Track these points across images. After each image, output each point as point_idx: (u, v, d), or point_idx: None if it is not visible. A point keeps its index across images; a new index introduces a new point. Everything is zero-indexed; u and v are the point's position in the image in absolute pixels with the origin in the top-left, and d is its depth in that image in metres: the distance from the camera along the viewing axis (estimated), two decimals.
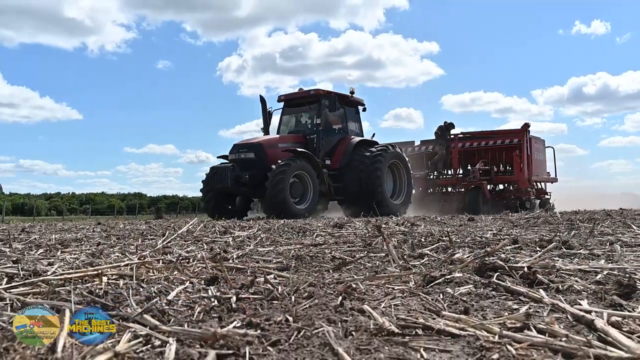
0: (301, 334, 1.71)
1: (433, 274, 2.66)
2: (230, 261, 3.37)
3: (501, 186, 20.74)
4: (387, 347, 1.61)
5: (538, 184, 21.10)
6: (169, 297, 2.12)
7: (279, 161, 13.10)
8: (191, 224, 5.99)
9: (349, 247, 4.31)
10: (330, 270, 3.11)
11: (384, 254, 3.69)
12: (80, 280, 2.54)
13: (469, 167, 19.69)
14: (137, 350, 1.49)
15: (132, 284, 2.40)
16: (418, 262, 3.31)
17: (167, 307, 1.98)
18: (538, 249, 3.83)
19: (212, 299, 2.14)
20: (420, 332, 1.78)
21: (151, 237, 5.48)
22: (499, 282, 2.50)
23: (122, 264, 2.92)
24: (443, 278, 2.61)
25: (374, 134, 17.01)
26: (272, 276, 2.72)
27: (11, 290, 2.26)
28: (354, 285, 2.41)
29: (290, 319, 1.84)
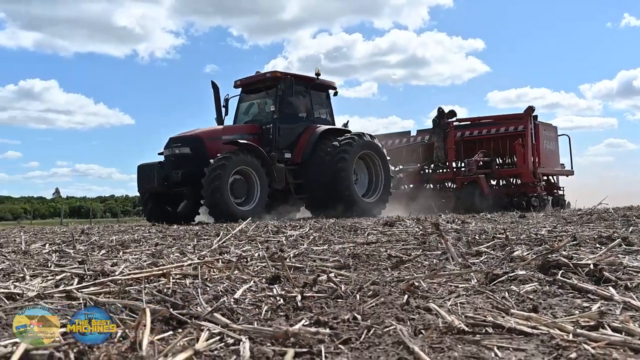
0: (371, 332, 1.70)
1: (495, 272, 2.62)
2: (288, 260, 3.38)
3: (504, 181, 17.96)
4: (459, 346, 1.59)
5: (550, 177, 18.27)
6: (236, 296, 2.14)
7: (218, 155, 11.23)
8: (245, 224, 6.04)
9: (403, 245, 4.27)
10: (389, 269, 3.09)
11: (439, 252, 3.64)
12: (146, 280, 2.58)
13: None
14: (213, 349, 1.50)
15: (197, 284, 2.43)
16: (477, 260, 3.26)
17: (235, 305, 1.99)
18: (598, 245, 3.72)
19: (278, 298, 2.15)
20: (490, 330, 1.75)
21: (206, 237, 5.55)
22: (565, 279, 2.44)
23: (185, 263, 2.96)
24: (506, 276, 2.56)
25: (347, 122, 14.88)
26: (332, 275, 2.70)
27: (83, 290, 2.32)
28: (416, 284, 2.39)
29: (359, 317, 1.83)
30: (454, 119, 17.73)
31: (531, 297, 2.21)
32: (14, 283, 2.70)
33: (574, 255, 3.03)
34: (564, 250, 3.22)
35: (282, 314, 1.98)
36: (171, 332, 1.71)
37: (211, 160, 11.04)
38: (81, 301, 2.13)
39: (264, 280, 2.62)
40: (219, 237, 4.98)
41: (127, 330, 1.60)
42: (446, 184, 17.92)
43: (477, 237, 4.67)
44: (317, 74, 13.75)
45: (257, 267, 3.10)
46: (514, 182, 17.28)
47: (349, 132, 13.67)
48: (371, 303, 2.04)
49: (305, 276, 2.83)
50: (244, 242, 4.84)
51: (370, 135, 13.85)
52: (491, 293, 2.26)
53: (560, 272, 2.57)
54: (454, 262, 3.12)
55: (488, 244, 3.97)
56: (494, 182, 17.34)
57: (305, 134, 13.06)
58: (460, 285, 2.45)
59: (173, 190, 12.19)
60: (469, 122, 18.08)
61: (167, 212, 12.65)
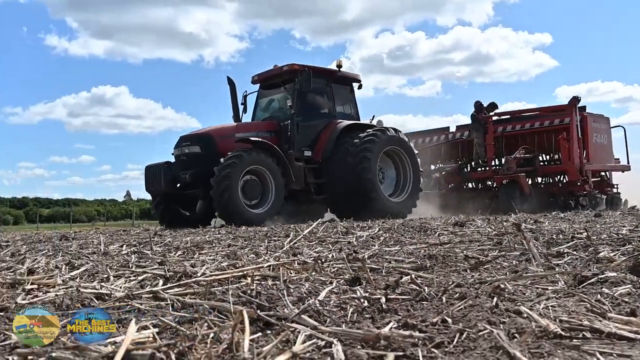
0: (464, 335, 1.65)
1: (584, 274, 2.52)
2: (362, 262, 3.36)
3: (549, 179, 16.36)
4: (559, 351, 1.53)
5: (603, 174, 16.44)
6: (320, 298, 2.13)
7: (229, 154, 10.41)
8: (314, 225, 6.06)
9: (478, 245, 4.18)
10: (468, 270, 3.02)
11: (518, 253, 3.54)
12: (226, 281, 2.61)
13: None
14: (306, 351, 1.49)
15: (279, 285, 2.44)
16: (560, 261, 3.15)
17: (320, 307, 1.99)
18: None
19: (362, 300, 2.14)
20: (588, 335, 1.68)
21: (275, 238, 5.59)
22: None
23: (264, 265, 2.98)
24: (596, 278, 2.46)
25: (373, 117, 13.41)
26: (412, 276, 2.66)
27: (168, 291, 2.36)
28: (501, 286, 2.32)
29: (449, 320, 1.79)
30: (493, 112, 16.51)
31: (626, 300, 2.11)
32: (100, 283, 2.79)
33: None
34: None
35: (367, 316, 1.97)
36: (260, 334, 1.71)
37: (222, 160, 10.33)
38: (168, 302, 2.17)
39: (343, 281, 2.61)
40: (290, 238, 5.00)
41: (218, 332, 1.61)
42: (488, 183, 16.59)
43: (554, 237, 4.52)
44: (339, 66, 12.82)
45: (334, 268, 3.09)
46: (560, 180, 15.79)
47: (373, 127, 12.55)
48: (459, 306, 1.99)
49: (383, 277, 2.80)
50: (314, 243, 4.85)
51: (395, 130, 12.65)
52: (583, 296, 2.17)
53: None
54: (537, 263, 3.02)
55: (568, 244, 3.84)
56: (540, 180, 16.24)
57: (326, 130, 12.10)
58: (549, 288, 2.36)
59: (184, 192, 11.48)
60: (509, 116, 16.77)
61: (180, 215, 11.94)
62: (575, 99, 14.78)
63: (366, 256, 3.56)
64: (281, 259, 3.45)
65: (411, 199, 12.59)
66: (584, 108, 15.50)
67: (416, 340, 1.58)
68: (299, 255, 3.78)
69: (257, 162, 10.58)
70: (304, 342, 1.52)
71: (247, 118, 13.46)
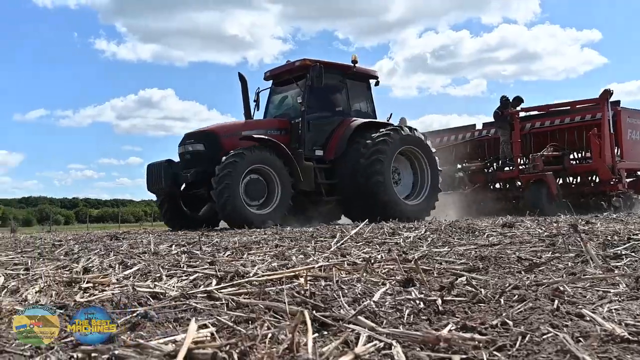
0: (526, 339, 1.61)
1: None
2: (413, 262, 3.32)
3: (580, 178, 15.16)
4: (628, 356, 1.47)
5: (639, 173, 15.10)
6: (375, 299, 2.12)
7: (231, 152, 9.86)
8: (361, 226, 6.04)
9: (531, 247, 4.08)
10: (522, 272, 2.95)
11: (573, 255, 3.45)
12: (279, 282, 2.62)
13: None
14: (366, 352, 1.48)
15: (332, 285, 2.43)
16: (619, 263, 3.05)
17: (376, 309, 1.97)
18: None
19: (418, 301, 2.11)
20: None
21: (322, 239, 5.59)
22: None
23: (316, 265, 2.98)
24: None
25: (390, 115, 12.59)
26: (465, 278, 2.62)
27: (222, 291, 2.38)
28: (561, 288, 2.26)
29: (510, 322, 1.75)
30: (519, 108, 15.37)
31: None
32: (154, 282, 2.83)
33: None
34: None
35: (424, 317, 1.94)
36: (317, 334, 1.70)
37: (224, 158, 9.79)
38: (223, 301, 2.18)
39: (395, 283, 2.59)
40: (336, 239, 5.00)
41: (277, 332, 1.61)
42: (516, 182, 15.31)
43: (609, 238, 4.39)
44: (354, 62, 11.97)
45: (385, 269, 3.06)
46: (592, 179, 14.59)
47: (390, 125, 11.75)
48: (519, 308, 1.94)
49: (435, 279, 2.76)
50: (361, 243, 4.83)
51: (411, 129, 11.81)
52: None
53: None
54: (594, 265, 2.94)
55: (625, 246, 3.72)
56: (570, 180, 15.16)
57: (339, 129, 11.36)
58: (609, 291, 2.29)
59: (188, 192, 11.02)
60: (536, 112, 15.47)
61: (186, 215, 11.44)
62: (607, 92, 13.68)
63: (416, 257, 3.52)
64: (331, 260, 3.44)
65: (429, 201, 11.84)
66: (617, 103, 14.50)
67: (477, 343, 1.55)
68: (347, 256, 3.76)
69: (261, 160, 10.06)
70: (365, 343, 1.51)
71: (259, 115, 12.88)
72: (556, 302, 1.99)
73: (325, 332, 1.74)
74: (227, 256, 4.03)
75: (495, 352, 1.52)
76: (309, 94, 11.20)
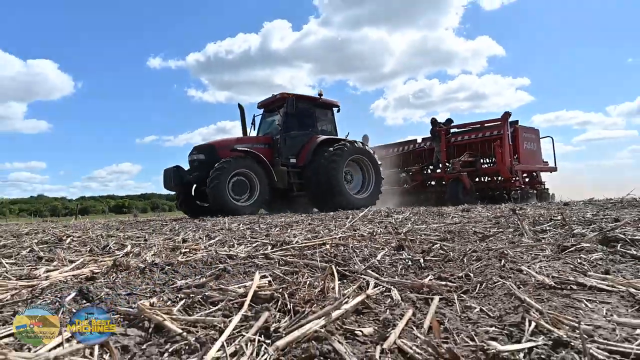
0: (483, 285, 1.58)
1: (565, 244, 2.36)
2: (403, 235, 3.28)
3: (489, 177, 14.14)
4: (555, 298, 1.43)
5: (534, 174, 14.32)
6: (377, 259, 2.08)
7: (222, 160, 9.59)
8: (365, 211, 5.98)
9: (482, 225, 4.00)
10: (478, 241, 2.89)
11: (512, 230, 3.37)
12: (312, 247, 2.60)
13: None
14: (374, 294, 1.45)
15: (348, 250, 2.40)
16: (545, 235, 2.97)
17: (379, 265, 1.94)
18: None
19: (407, 260, 2.07)
20: (575, 287, 1.56)
21: (339, 219, 5.54)
22: (625, 250, 2.14)
23: (337, 236, 2.95)
24: (574, 247, 2.30)
25: (347, 134, 12.06)
26: (440, 245, 2.57)
27: (275, 253, 2.37)
28: (505, 252, 2.20)
29: (471, 275, 1.71)
30: (450, 125, 14.46)
31: (600, 263, 1.96)
32: (230, 248, 2.83)
33: (626, 232, 2.67)
34: (617, 229, 2.85)
35: (412, 271, 1.91)
36: (340, 282, 1.68)
37: (216, 165, 9.48)
38: (275, 260, 2.17)
39: (391, 248, 2.54)
40: (349, 219, 4.96)
41: (312, 280, 1.59)
42: (443, 181, 14.29)
43: (537, 219, 4.28)
44: (320, 94, 11.46)
45: (383, 239, 3.02)
46: (497, 178, 13.68)
47: (343, 141, 11.13)
48: (477, 265, 1.90)
49: (418, 246, 2.71)
50: (366, 222, 4.78)
51: (362, 143, 11.43)
52: (567, 260, 2.03)
53: (619, 244, 2.28)
54: (527, 237, 2.86)
55: (549, 224, 3.62)
56: (483, 179, 14.00)
57: (308, 143, 10.86)
58: (539, 254, 2.23)
59: (190, 190, 10.51)
60: (460, 130, 14.57)
61: (198, 206, 10.80)
62: (507, 114, 13.04)
63: (404, 231, 3.48)
64: (346, 233, 3.41)
65: (373, 196, 11.22)
66: (516, 122, 13.74)
67: (449, 288, 1.52)
68: (357, 230, 3.72)
69: (244, 166, 9.60)
70: (374, 287, 1.48)
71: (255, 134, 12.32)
72: (502, 261, 1.94)
73: (345, 281, 1.72)
74: (276, 231, 4.02)
75: (462, 295, 1.49)
76: (286, 118, 10.82)
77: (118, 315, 1.32)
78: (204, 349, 1.01)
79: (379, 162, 11.47)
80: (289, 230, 3.98)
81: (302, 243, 2.66)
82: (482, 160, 13.58)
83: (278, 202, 10.80)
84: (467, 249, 2.34)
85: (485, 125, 13.83)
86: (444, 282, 1.55)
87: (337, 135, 11.62)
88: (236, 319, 1.15)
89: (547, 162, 14.60)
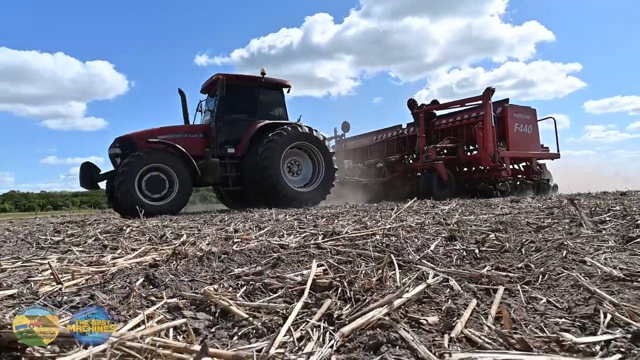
0: (546, 277, 1.51)
1: (630, 235, 2.22)
2: (451, 225, 3.20)
3: (473, 167, 11.75)
4: (627, 290, 1.35)
5: (534, 162, 11.63)
6: (431, 249, 2.05)
7: (132, 154, 8.31)
8: (410, 203, 5.90)
9: (535, 215, 3.84)
10: (532, 232, 2.77)
11: (568, 220, 3.21)
12: (361, 237, 2.59)
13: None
14: (434, 283, 1.43)
15: (399, 240, 2.37)
16: (606, 226, 2.81)
17: (433, 255, 1.90)
18: None
19: (461, 251, 2.02)
20: None
21: (384, 211, 5.49)
22: None
23: (386, 227, 2.92)
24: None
25: (299, 117, 10.14)
26: (492, 236, 2.49)
27: (326, 243, 2.38)
28: (564, 243, 2.10)
29: (532, 265, 1.64)
30: (428, 106, 12.14)
31: None
32: (280, 238, 2.87)
33: None
34: None
35: (467, 261, 1.86)
36: (393, 272, 1.66)
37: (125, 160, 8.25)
38: (327, 250, 2.18)
39: (442, 239, 2.49)
40: (394, 210, 4.90)
41: (368, 269, 1.59)
42: (418, 172, 12.16)
43: (594, 209, 4.05)
44: (262, 74, 9.71)
45: (433, 229, 2.96)
46: (482, 168, 11.29)
47: (286, 125, 9.43)
48: (536, 256, 1.83)
49: (470, 236, 2.64)
50: (412, 213, 4.71)
51: (308, 127, 9.56)
52: (634, 250, 1.91)
53: None
54: (587, 227, 2.72)
55: (608, 214, 3.42)
56: (466, 169, 11.77)
57: (248, 130, 9.30)
58: (602, 245, 2.11)
59: (101, 188, 9.17)
60: (444, 113, 12.26)
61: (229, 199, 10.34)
62: (489, 90, 10.51)
63: (454, 221, 3.39)
64: (394, 224, 3.37)
65: (321, 189, 9.54)
66: (506, 100, 11.32)
67: (510, 278, 1.47)
68: (404, 221, 3.67)
69: (157, 160, 8.26)
70: (434, 276, 1.46)
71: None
72: (564, 252, 1.85)
73: (400, 270, 1.70)
74: (323, 221, 4.03)
75: (524, 286, 1.44)
76: (220, 102, 9.28)
77: (185, 300, 1.37)
78: (271, 334, 1.03)
79: (331, 150, 9.92)
80: (335, 221, 3.98)
81: (352, 233, 2.65)
82: (465, 147, 11.36)
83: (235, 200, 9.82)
84: (523, 240, 2.25)
85: (467, 105, 11.44)
86: (504, 273, 1.50)
87: (287, 120, 9.86)
88: (298, 306, 1.17)
89: (547, 147, 12.20)
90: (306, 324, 1.06)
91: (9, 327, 0.84)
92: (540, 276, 1.51)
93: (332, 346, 0.93)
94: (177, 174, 8.36)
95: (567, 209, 3.77)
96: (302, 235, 2.95)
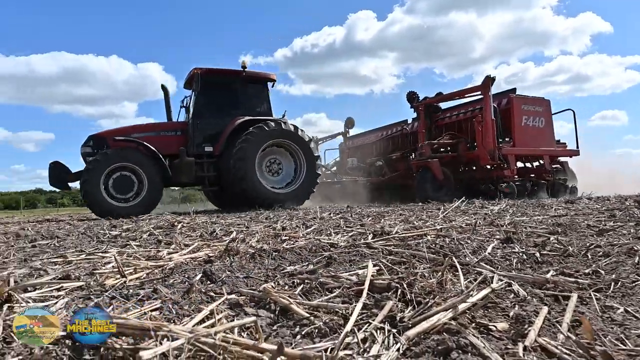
0: (619, 284, 1.41)
1: None
2: (504, 227, 3.08)
3: (474, 166, 10.36)
4: None
5: (546, 160, 10.03)
6: (488, 251, 1.97)
7: (99, 153, 7.94)
8: (458, 203, 5.74)
9: (595, 218, 3.63)
10: (594, 235, 2.62)
11: (633, 223, 3.01)
12: (412, 238, 2.54)
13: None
14: (499, 288, 1.37)
15: (452, 241, 2.31)
16: None
17: (491, 258, 1.84)
18: None
19: (521, 254, 1.94)
20: None
21: (429, 210, 5.38)
22: None
23: (437, 227, 2.86)
24: None
25: (284, 113, 9.49)
26: (552, 239, 2.37)
27: (376, 243, 2.35)
28: (635, 248, 1.97)
29: (602, 272, 1.54)
30: (428, 99, 11.02)
31: None
32: (328, 237, 2.86)
33: None
34: None
35: (528, 265, 1.78)
36: (452, 275, 1.62)
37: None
38: (378, 250, 2.15)
39: (497, 240, 2.40)
40: (441, 210, 4.79)
41: (425, 271, 1.55)
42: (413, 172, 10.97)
43: None
44: (243, 67, 9.03)
45: (485, 231, 2.87)
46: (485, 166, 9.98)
47: (266, 121, 8.78)
48: (606, 261, 1.72)
49: (526, 239, 2.53)
50: (459, 214, 4.58)
51: (288, 124, 8.93)
52: None
53: None
54: None
55: None
56: (468, 168, 10.51)
57: (227, 127, 8.70)
58: None
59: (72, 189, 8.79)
60: (437, 102, 11.03)
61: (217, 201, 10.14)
62: (488, 79, 9.25)
63: (506, 223, 3.27)
64: (442, 225, 3.29)
65: (300, 191, 8.83)
66: (513, 90, 10.10)
67: (580, 285, 1.39)
68: (453, 222, 3.58)
69: (124, 159, 7.85)
70: (498, 281, 1.40)
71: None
72: (636, 258, 1.73)
73: (456, 273, 1.65)
74: (369, 220, 4.00)
75: (595, 293, 1.35)
76: (197, 98, 8.81)
77: (243, 297, 1.39)
78: (333, 334, 1.03)
79: (313, 148, 9.17)
80: (382, 221, 3.94)
81: (402, 233, 2.61)
82: (468, 144, 10.10)
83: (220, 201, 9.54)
84: (587, 244, 2.13)
85: (468, 96, 10.23)
86: (572, 279, 1.42)
87: (271, 116, 9.25)
88: (359, 306, 1.16)
89: (564, 143, 10.74)
90: (368, 326, 1.05)
91: None
92: (613, 283, 1.42)
93: (398, 349, 0.91)
94: (146, 173, 7.97)
95: (631, 211, 3.54)
96: (350, 234, 2.94)
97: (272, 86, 9.46)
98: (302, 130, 8.98)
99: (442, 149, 10.31)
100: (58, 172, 8.27)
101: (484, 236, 2.59)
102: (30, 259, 2.54)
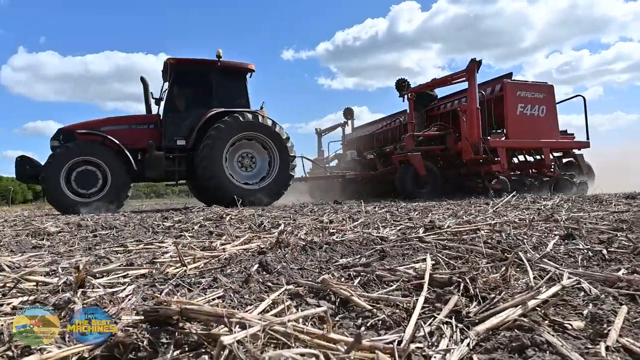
0: None
1: None
2: (563, 222, 2.94)
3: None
4: None
5: (546, 153, 8.88)
6: (550, 247, 1.89)
7: (60, 146, 7.72)
8: (508, 197, 5.54)
9: None
10: None
11: None
12: (465, 232, 2.48)
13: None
14: (569, 285, 1.31)
15: (509, 236, 2.23)
16: None
17: (554, 254, 1.76)
18: None
19: (586, 251, 1.84)
20: None
21: (478, 205, 5.23)
22: None
23: (492, 222, 2.77)
24: None
25: (262, 105, 8.93)
26: (620, 235, 2.23)
27: (428, 237, 2.31)
28: None
29: None
30: (414, 88, 10.09)
31: None
32: (377, 230, 2.84)
33: None
34: None
35: (594, 263, 1.69)
36: (515, 271, 1.56)
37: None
38: (432, 244, 2.11)
39: (557, 236, 2.30)
40: (490, 205, 4.64)
41: (485, 267, 1.51)
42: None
43: None
44: (218, 57, 8.45)
45: (542, 226, 2.75)
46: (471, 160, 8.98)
47: (236, 113, 8.27)
48: None
49: (588, 235, 2.40)
50: (510, 209, 4.42)
51: (266, 117, 8.43)
52: None
53: None
54: None
55: None
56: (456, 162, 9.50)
57: (199, 120, 8.30)
58: None
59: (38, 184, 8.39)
60: (422, 90, 10.08)
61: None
62: (474, 62, 8.29)
63: (564, 218, 3.12)
64: (493, 220, 3.19)
65: (273, 187, 8.34)
66: (509, 75, 9.07)
67: None
68: (504, 217, 3.46)
69: (86, 153, 7.61)
70: (567, 278, 1.34)
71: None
72: None
73: (519, 269, 1.59)
74: (417, 215, 3.94)
75: None
76: (172, 89, 8.42)
77: (301, 288, 1.40)
78: (397, 327, 1.02)
79: (286, 141, 8.55)
80: (429, 214, 3.87)
81: (455, 227, 2.55)
82: (457, 135, 9.07)
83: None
84: None
85: (454, 81, 9.16)
86: None
87: (249, 107, 8.73)
88: (421, 300, 1.14)
89: (572, 134, 9.57)
90: (433, 319, 1.03)
91: (164, 303, 0.92)
92: None
93: (468, 344, 0.89)
94: (110, 168, 7.74)
95: None
96: (398, 228, 2.91)
97: (250, 77, 8.97)
98: (280, 127, 8.51)
99: (432, 142, 9.47)
100: (24, 167, 8.02)
101: (541, 232, 2.49)
102: (93, 247, 2.69)
